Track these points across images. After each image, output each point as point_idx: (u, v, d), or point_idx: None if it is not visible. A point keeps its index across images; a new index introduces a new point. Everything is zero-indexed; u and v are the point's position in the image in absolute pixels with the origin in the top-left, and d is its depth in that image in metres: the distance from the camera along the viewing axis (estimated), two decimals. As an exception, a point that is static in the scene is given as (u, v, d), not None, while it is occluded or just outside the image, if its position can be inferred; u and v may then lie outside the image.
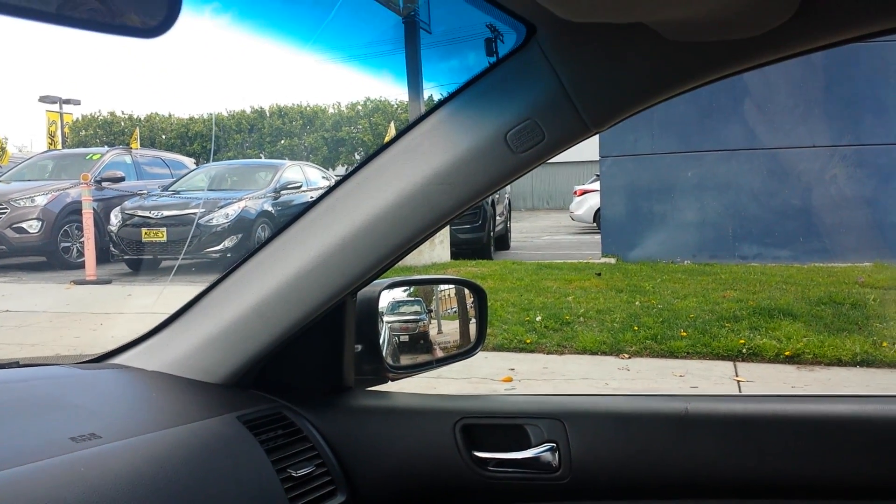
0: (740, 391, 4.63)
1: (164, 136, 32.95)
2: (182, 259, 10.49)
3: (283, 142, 32.85)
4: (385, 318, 1.50)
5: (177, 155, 15.59)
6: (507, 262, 10.34)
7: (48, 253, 11.00)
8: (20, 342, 5.92)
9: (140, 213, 10.46)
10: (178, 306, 1.26)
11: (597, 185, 13.92)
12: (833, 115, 9.54)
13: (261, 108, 34.02)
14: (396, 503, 1.25)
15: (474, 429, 1.25)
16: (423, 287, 1.69)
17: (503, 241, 13.35)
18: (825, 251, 9.36)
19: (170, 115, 34.09)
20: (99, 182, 11.59)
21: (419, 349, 1.58)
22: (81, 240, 10.33)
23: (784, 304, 6.47)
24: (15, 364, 1.22)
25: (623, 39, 0.95)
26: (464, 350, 1.57)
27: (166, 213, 10.39)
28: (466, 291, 1.61)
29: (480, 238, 11.31)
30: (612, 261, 10.08)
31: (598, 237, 11.74)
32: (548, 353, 5.54)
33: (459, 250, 10.84)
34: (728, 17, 0.88)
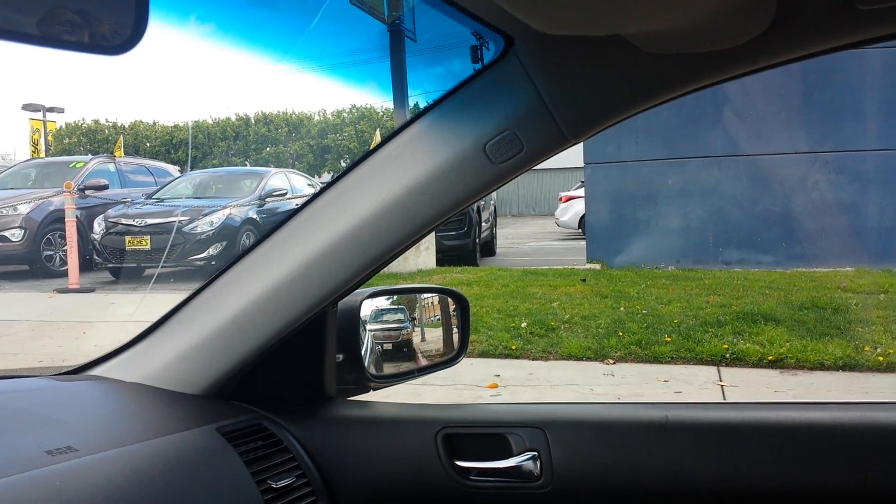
0: (724, 396, 4.65)
1: (148, 144, 32.79)
2: (167, 267, 10.43)
3: (268, 149, 32.77)
4: (368, 327, 1.50)
5: (161, 163, 15.52)
6: (492, 268, 10.35)
7: (30, 261, 10.90)
8: (2, 352, 5.86)
9: (124, 221, 10.40)
10: (160, 315, 1.26)
11: (582, 192, 13.97)
12: (814, 121, 9.64)
13: (246, 115, 33.94)
14: None
15: (456, 438, 1.25)
16: (406, 295, 1.69)
17: (489, 248, 13.37)
18: (807, 256, 9.43)
19: (154, 123, 33.95)
20: (82, 190, 11.51)
21: (403, 357, 1.58)
22: (64, 248, 10.25)
23: (767, 309, 6.51)
24: None
25: (600, 51, 0.96)
26: (447, 358, 1.58)
27: (150, 220, 10.34)
28: (449, 300, 1.61)
29: (466, 244, 11.31)
30: (597, 267, 10.11)
31: (583, 243, 11.78)
32: (533, 360, 5.54)
33: (445, 257, 10.84)
34: (703, 30, 0.89)
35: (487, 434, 1.26)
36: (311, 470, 1.19)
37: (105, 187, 12.00)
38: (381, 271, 1.18)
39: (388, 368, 1.53)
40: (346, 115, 33.04)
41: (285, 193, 11.62)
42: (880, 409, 1.23)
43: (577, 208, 16.50)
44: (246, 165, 28.25)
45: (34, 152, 23.51)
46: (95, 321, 7.25)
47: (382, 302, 1.57)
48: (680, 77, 0.98)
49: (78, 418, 1.06)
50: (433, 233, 10.32)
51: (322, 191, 1.14)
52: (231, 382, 1.20)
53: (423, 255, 10.05)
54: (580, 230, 16.05)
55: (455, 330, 1.59)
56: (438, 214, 1.07)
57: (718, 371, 5.15)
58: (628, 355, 5.48)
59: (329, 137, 32.37)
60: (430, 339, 1.62)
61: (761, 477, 1.19)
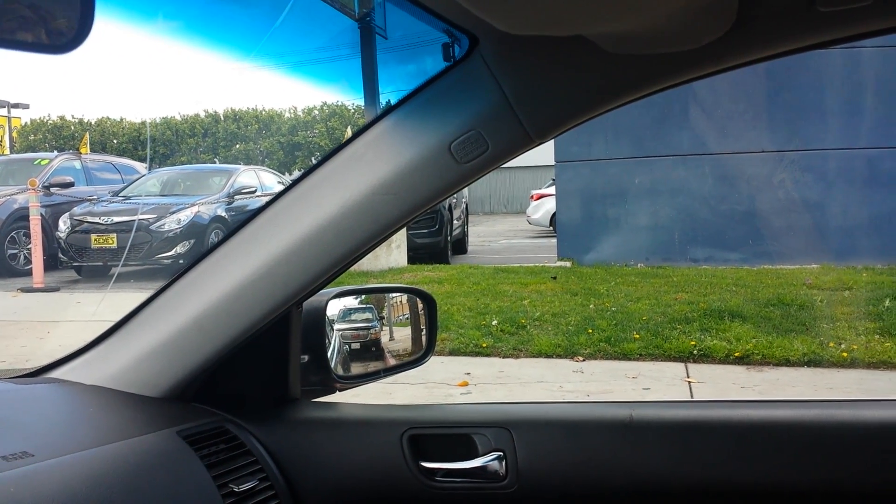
0: (691, 392, 4.71)
1: (115, 141, 32.34)
2: (133, 266, 10.29)
3: (237, 146, 32.49)
4: (336, 327, 1.49)
5: (128, 160, 15.30)
6: (464, 266, 10.36)
7: (-6, 260, 10.69)
8: (-38, 353, 5.73)
9: (89, 218, 10.24)
10: (123, 315, 1.23)
11: (553, 190, 14.05)
12: (780, 120, 9.78)
13: (215, 112, 33.63)
14: None
15: (421, 439, 1.25)
16: (374, 294, 1.68)
17: (460, 246, 13.38)
18: (774, 254, 9.58)
19: (121, 120, 33.49)
20: (47, 188, 11.32)
21: (370, 357, 1.57)
22: (29, 247, 10.06)
23: (734, 306, 6.60)
24: None
25: (564, 52, 0.96)
26: (415, 358, 1.57)
27: (116, 218, 10.19)
28: (417, 299, 1.61)
29: (438, 242, 11.31)
30: (568, 264, 10.17)
31: (554, 241, 11.84)
32: (504, 357, 5.56)
33: (416, 254, 10.82)
34: (666, 31, 0.89)
35: (453, 434, 1.26)
36: (274, 473, 1.17)
37: (70, 185, 11.81)
38: (352, 269, 1.18)
39: (356, 368, 1.52)
40: (316, 112, 32.88)
41: (255, 191, 11.53)
42: (842, 406, 1.25)
43: (549, 206, 16.58)
44: (215, 163, 27.98)
45: (-2, 149, 23.04)
46: (60, 321, 7.12)
47: (350, 301, 1.56)
48: (643, 78, 0.99)
49: (35, 423, 1.04)
50: (404, 230, 10.32)
51: (286, 190, 1.13)
52: (193, 384, 1.18)
53: (394, 252, 10.03)
54: (551, 228, 16.14)
55: (423, 329, 1.59)
56: (403, 214, 1.07)
57: (686, 367, 5.21)
58: (598, 352, 5.51)
59: (300, 135, 32.18)
60: (398, 338, 1.62)
61: (726, 474, 1.21)
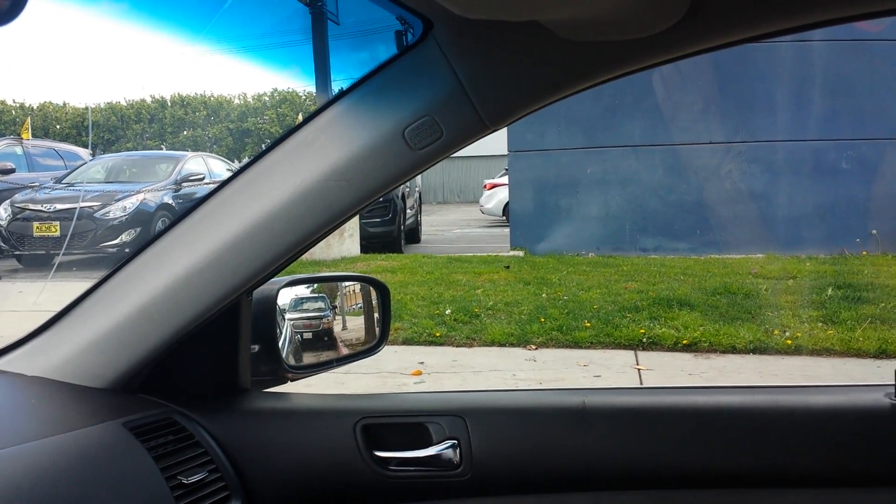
0: (641, 379, 4.79)
1: (58, 126, 31.47)
2: (77, 254, 10.02)
3: (185, 133, 31.91)
4: (287, 316, 1.46)
5: (71, 146, 14.88)
6: (417, 255, 10.35)
7: (-70, 249, 10.30)
8: None
9: (31, 206, 9.94)
10: (67, 304, 1.19)
11: (506, 180, 14.11)
12: (728, 112, 9.98)
13: (162, 97, 32.97)
14: None
15: (375, 428, 1.24)
16: (327, 283, 1.66)
17: (414, 235, 13.36)
18: (721, 243, 9.79)
19: (64, 104, 32.61)
20: (-14, 174, 10.95)
21: (323, 347, 1.55)
22: (-33, 235, 9.73)
23: (682, 295, 6.73)
24: None
25: (519, 37, 0.96)
26: (368, 347, 1.56)
27: (59, 206, 9.91)
28: (370, 288, 1.59)
29: (391, 231, 11.27)
30: (521, 254, 10.24)
31: (507, 230, 11.90)
32: (457, 346, 5.58)
33: (370, 244, 10.77)
34: (619, 18, 0.89)
35: (407, 423, 1.25)
36: (224, 464, 1.15)
37: (11, 171, 11.44)
38: (303, 258, 1.15)
39: (308, 358, 1.50)
40: (267, 98, 32.46)
41: (203, 178, 11.33)
42: (789, 392, 1.28)
43: (502, 196, 16.65)
44: (162, 149, 27.42)
45: (-68, 133, 22.19)
46: (2, 311, 6.90)
47: (302, 290, 1.54)
48: (597, 65, 0.98)
49: None
50: (357, 219, 10.26)
51: (235, 175, 1.10)
52: (139, 375, 1.15)
53: (346, 241, 9.96)
54: (504, 217, 16.21)
55: (376, 318, 1.57)
56: (356, 201, 1.05)
57: (636, 355, 5.29)
58: (550, 341, 5.57)
59: (249, 121, 31.74)
60: (351, 327, 1.60)
61: (674, 460, 1.22)
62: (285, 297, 1.41)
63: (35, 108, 32.23)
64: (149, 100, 33.03)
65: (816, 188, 9.81)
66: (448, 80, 0.99)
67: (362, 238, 10.53)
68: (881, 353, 5.07)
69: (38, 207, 9.90)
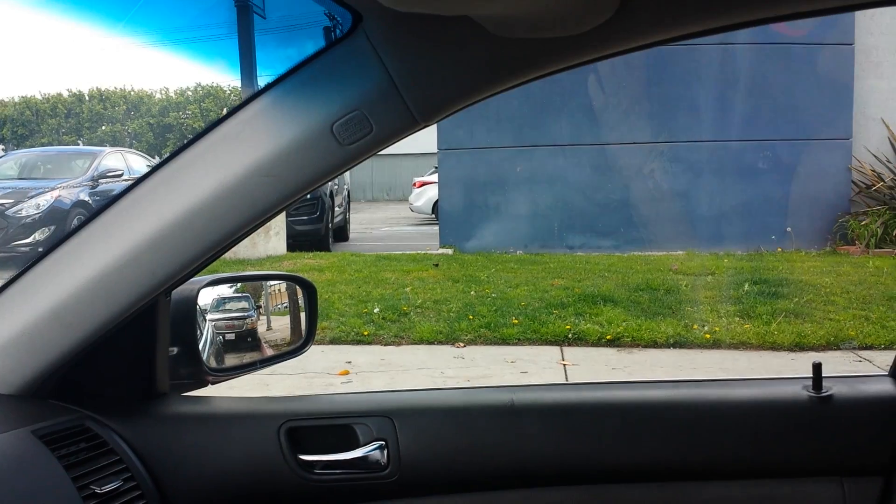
0: (566, 375, 4.86)
1: (-34, 120, 29.95)
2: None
3: (104, 128, 30.85)
4: (209, 317, 1.42)
5: (-20, 140, 14.16)
6: (345, 253, 10.26)
7: None
8: None
9: (-63, 203, 9.43)
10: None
11: (435, 178, 14.12)
12: (652, 113, 10.24)
13: (79, 91, 31.82)
14: None
15: (300, 431, 1.21)
16: (251, 283, 1.62)
17: (342, 233, 13.25)
18: (643, 241, 10.04)
19: (-27, 97, 31.04)
20: None
21: (246, 348, 1.51)
22: None
23: (606, 291, 6.87)
24: None
25: (449, 32, 0.94)
26: (294, 347, 1.52)
27: (-33, 203, 9.43)
28: (296, 287, 1.56)
29: (318, 229, 11.14)
30: (450, 251, 10.27)
31: (436, 228, 11.92)
32: (385, 345, 5.55)
33: (296, 242, 10.62)
34: (550, 15, 0.89)
35: (333, 425, 1.22)
36: (140, 472, 1.10)
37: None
38: (227, 257, 1.11)
39: (230, 360, 1.46)
40: (190, 93, 31.68)
41: (121, 174, 10.97)
42: (712, 385, 1.31)
43: (431, 194, 16.66)
44: (79, 144, 26.44)
45: None
46: None
47: (224, 290, 1.50)
48: (528, 62, 0.98)
49: None
50: (283, 217, 10.10)
51: (154, 170, 1.05)
52: (50, 380, 1.09)
53: (272, 239, 9.79)
54: (433, 215, 16.23)
55: (303, 318, 1.54)
56: (282, 198, 1.02)
57: (561, 351, 5.37)
58: (478, 338, 5.60)
59: (171, 115, 30.92)
60: (276, 327, 1.57)
61: (603, 455, 1.24)
62: (206, 297, 1.37)
63: (-58, 100, 30.68)
64: (65, 94, 31.87)
65: (734, 187, 10.16)
66: (378, 74, 0.97)
67: (289, 236, 10.37)
68: (796, 346, 5.28)
69: (-55, 204, 9.41)
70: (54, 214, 9.64)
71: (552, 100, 10.19)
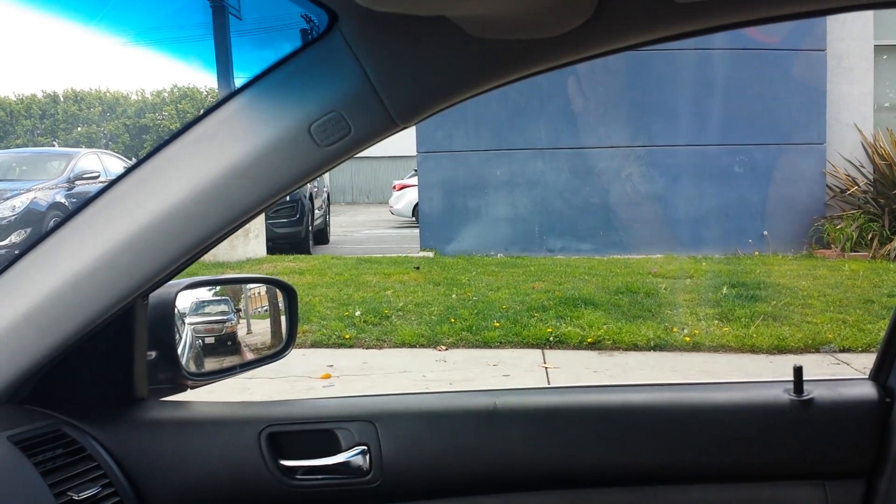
0: (548, 378, 4.87)
1: (-61, 120, 29.52)
2: (-41, 257, 9.41)
3: (79, 129, 30.52)
4: (188, 320, 1.40)
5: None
6: (326, 256, 10.22)
7: None
8: None
9: None
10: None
11: (415, 181, 14.11)
12: (629, 117, 10.30)
13: (54, 92, 31.47)
14: None
15: (281, 436, 1.19)
16: (231, 286, 1.60)
17: (322, 236, 13.19)
18: (622, 244, 10.10)
19: (-55, 97, 30.61)
20: None
21: (226, 352, 1.49)
22: None
23: (586, 294, 6.89)
24: None
25: (427, 33, 0.94)
26: (275, 351, 1.51)
27: (-60, 205, 9.29)
28: (276, 290, 1.54)
29: (298, 232, 11.09)
30: (431, 255, 10.26)
31: (416, 231, 11.91)
32: (367, 348, 5.53)
33: (276, 245, 10.56)
34: (526, 17, 0.89)
35: (315, 430, 1.21)
36: (118, 478, 1.09)
37: None
38: (206, 260, 1.09)
39: (210, 364, 1.44)
40: (166, 94, 31.44)
41: (97, 176, 10.86)
42: (691, 389, 1.31)
43: (411, 197, 16.64)
44: (54, 146, 26.12)
45: None
46: None
47: (203, 293, 1.48)
48: (506, 63, 0.98)
49: None
50: (263, 219, 10.04)
51: (129, 171, 1.03)
52: (26, 385, 1.07)
53: (252, 242, 9.73)
54: (414, 218, 16.22)
55: (283, 321, 1.52)
56: (260, 200, 1.00)
57: (543, 354, 5.38)
58: (460, 341, 5.59)
59: (147, 117, 30.67)
60: (256, 331, 1.55)
61: (585, 459, 1.23)
62: (185, 300, 1.35)
63: (-87, 101, 30.21)
64: (40, 94, 31.50)
65: (711, 191, 10.25)
66: (355, 74, 0.96)
67: (269, 239, 10.31)
68: (774, 349, 5.33)
69: (-84, 206, 9.26)
70: (30, 216, 9.53)
71: (531, 103, 10.22)
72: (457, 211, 10.66)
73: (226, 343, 1.49)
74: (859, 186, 9.74)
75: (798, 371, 1.26)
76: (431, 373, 4.94)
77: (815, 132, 10.08)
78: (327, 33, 0.96)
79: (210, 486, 1.16)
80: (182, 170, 0.99)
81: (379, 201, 28.23)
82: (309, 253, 11.02)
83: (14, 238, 9.29)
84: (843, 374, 4.60)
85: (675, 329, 5.79)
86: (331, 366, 5.05)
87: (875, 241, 9.04)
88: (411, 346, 5.54)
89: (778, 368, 4.97)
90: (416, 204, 14.07)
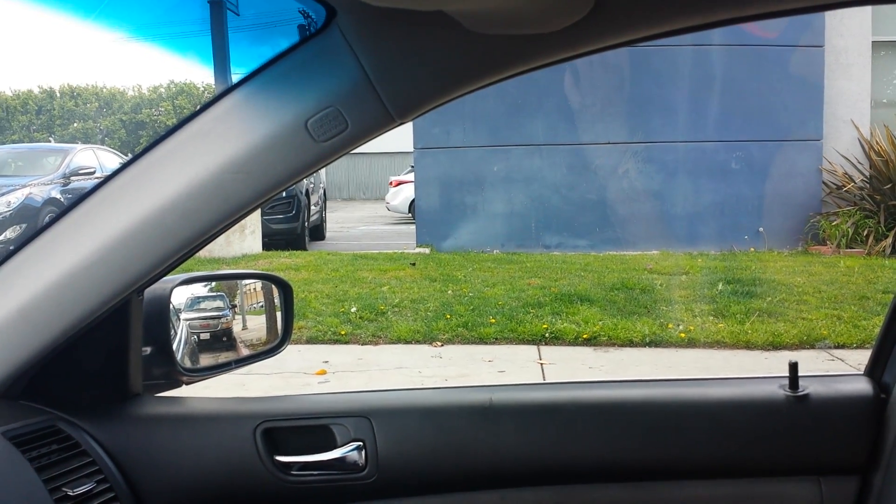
0: (543, 374, 4.87)
1: (-66, 116, 29.44)
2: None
3: (75, 125, 30.45)
4: (183, 316, 1.40)
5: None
6: (322, 252, 10.21)
7: None
8: None
9: None
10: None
11: (412, 177, 14.10)
12: (626, 113, 10.30)
13: (50, 87, 31.39)
14: None
15: (276, 432, 1.19)
16: (226, 282, 1.60)
17: (318, 232, 13.18)
18: (618, 240, 10.10)
19: (-59, 93, 30.53)
20: None
21: (221, 347, 1.49)
22: None
23: (582, 291, 6.89)
24: None
25: (425, 28, 0.94)
26: (270, 347, 1.51)
27: (-65, 200, 9.26)
28: (272, 286, 1.54)
29: (294, 228, 11.08)
30: (427, 251, 10.26)
31: (413, 227, 11.90)
32: (363, 344, 5.53)
33: (272, 241, 10.55)
34: (524, 13, 0.89)
35: (310, 426, 1.21)
36: (113, 474, 1.09)
37: None
38: (201, 255, 1.09)
39: (205, 360, 1.44)
40: (163, 90, 31.37)
41: (93, 172, 10.83)
42: (687, 385, 1.32)
43: (407, 193, 16.62)
44: (50, 142, 26.06)
45: None
46: None
47: (199, 289, 1.48)
48: (504, 59, 0.98)
49: None
50: (259, 215, 10.03)
51: (125, 166, 1.03)
52: (20, 381, 1.07)
53: (248, 238, 9.72)
54: (410, 214, 16.20)
55: (279, 317, 1.52)
56: (256, 195, 1.00)
57: (538, 350, 5.38)
58: (455, 337, 5.60)
59: (144, 112, 30.61)
60: (252, 327, 1.55)
61: (581, 455, 1.24)
62: (180, 296, 1.35)
63: None
64: (36, 90, 31.43)
65: (708, 187, 10.25)
66: (352, 70, 0.96)
67: (265, 235, 10.30)
68: (769, 345, 5.34)
69: (-89, 202, 9.23)
70: (25, 212, 9.51)
71: (528, 99, 10.22)
72: (453, 207, 10.65)
73: (221, 339, 1.49)
74: (855, 183, 9.75)
75: (793, 367, 1.26)
76: (427, 369, 4.94)
77: (812, 128, 10.09)
78: (325, 28, 0.96)
79: (205, 481, 1.16)
80: (178, 165, 0.99)
81: (375, 197, 28.20)
82: (305, 249, 11.01)
83: (9, 234, 9.28)
84: (838, 371, 4.62)
85: (670, 325, 5.80)
86: (326, 362, 5.05)
87: (870, 238, 9.06)
88: (407, 342, 5.54)
89: (773, 364, 4.98)
90: (413, 200, 14.05)
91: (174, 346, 1.28)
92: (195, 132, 0.99)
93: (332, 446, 1.20)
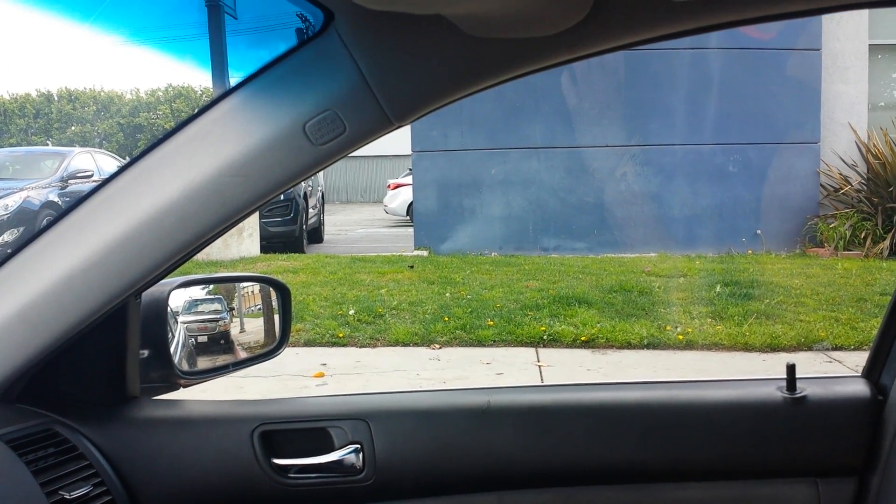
0: (541, 376, 4.87)
1: (-69, 119, 29.43)
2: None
3: (73, 128, 30.44)
4: (181, 319, 1.40)
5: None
6: (320, 255, 10.21)
7: None
8: None
9: None
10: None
11: (410, 179, 14.10)
12: (624, 116, 10.31)
13: (48, 91, 31.41)
14: None
15: (274, 435, 1.19)
16: (224, 284, 1.60)
17: (316, 235, 13.18)
18: (616, 243, 10.11)
19: (-61, 96, 30.53)
20: None
21: (219, 350, 1.49)
22: None
23: (580, 293, 6.90)
24: None
25: (423, 32, 0.94)
26: (268, 350, 1.51)
27: (-68, 204, 9.24)
28: (270, 289, 1.54)
29: (293, 231, 11.07)
30: (425, 253, 10.26)
31: (411, 230, 11.90)
32: (361, 347, 5.53)
33: (270, 244, 10.55)
34: (523, 15, 0.89)
35: (308, 429, 1.21)
36: (110, 477, 1.08)
37: None
38: (199, 258, 1.09)
39: (203, 363, 1.44)
40: (161, 93, 31.38)
41: (91, 175, 10.83)
42: (684, 387, 1.32)
43: (405, 196, 16.62)
44: (48, 145, 26.05)
45: None
46: None
47: (196, 292, 1.48)
48: (503, 62, 0.98)
49: None
50: (257, 218, 10.02)
51: (123, 169, 1.03)
52: (17, 384, 1.07)
53: (246, 241, 9.71)
54: (408, 217, 16.20)
55: (277, 320, 1.52)
56: (254, 198, 1.00)
57: (537, 352, 5.38)
58: (454, 340, 5.60)
59: (142, 116, 30.62)
60: (250, 330, 1.55)
61: (579, 457, 1.24)
62: (178, 298, 1.35)
63: None
64: (34, 94, 31.45)
65: (705, 190, 10.26)
66: (350, 73, 0.96)
67: (263, 238, 10.29)
68: (767, 347, 5.34)
69: None
70: (23, 215, 9.50)
71: (526, 102, 10.23)
72: (451, 210, 10.66)
73: (219, 342, 1.49)
74: (853, 185, 9.77)
75: (791, 369, 1.26)
76: (425, 371, 4.94)
77: (810, 131, 10.11)
78: (323, 32, 0.96)
79: (202, 484, 1.16)
80: (176, 168, 0.99)
81: (373, 200, 28.20)
82: (303, 252, 11.00)
83: (7, 237, 9.27)
84: (836, 372, 4.62)
85: (668, 327, 5.80)
86: (324, 364, 5.04)
87: (868, 240, 9.07)
88: (405, 344, 5.54)
89: (771, 366, 4.98)
90: (411, 203, 14.05)
91: (172, 349, 1.28)
92: (193, 135, 0.99)
93: (330, 449, 1.20)
